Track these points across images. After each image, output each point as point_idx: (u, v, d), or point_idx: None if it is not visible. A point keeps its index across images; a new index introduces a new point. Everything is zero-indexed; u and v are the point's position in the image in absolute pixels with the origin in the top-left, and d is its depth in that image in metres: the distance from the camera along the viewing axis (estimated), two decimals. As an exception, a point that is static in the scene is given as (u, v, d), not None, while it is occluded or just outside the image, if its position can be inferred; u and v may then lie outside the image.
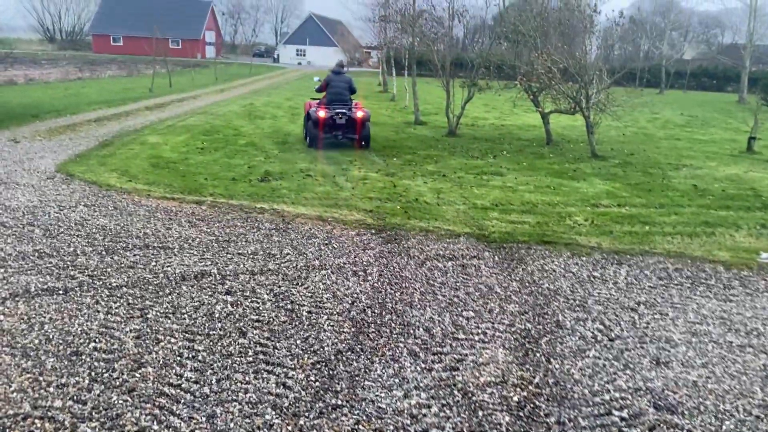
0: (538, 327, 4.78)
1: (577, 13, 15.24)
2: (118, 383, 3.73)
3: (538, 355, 4.34)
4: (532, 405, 3.72)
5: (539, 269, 6.10)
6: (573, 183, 10.22)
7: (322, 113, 12.35)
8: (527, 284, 5.68)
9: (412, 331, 4.60)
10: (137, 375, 3.83)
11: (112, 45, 72.84)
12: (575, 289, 5.59)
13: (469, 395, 3.78)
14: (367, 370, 4.02)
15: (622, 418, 3.62)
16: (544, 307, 5.17)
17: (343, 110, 12.46)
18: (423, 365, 4.12)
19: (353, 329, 4.60)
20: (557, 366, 4.18)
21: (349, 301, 5.10)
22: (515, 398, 3.77)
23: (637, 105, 17.16)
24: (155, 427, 3.35)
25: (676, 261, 6.51)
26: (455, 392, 3.81)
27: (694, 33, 57.62)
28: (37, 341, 4.19)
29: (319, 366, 4.05)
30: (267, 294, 5.17)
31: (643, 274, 6.07)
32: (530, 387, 3.91)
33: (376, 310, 4.95)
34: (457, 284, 5.60)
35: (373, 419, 3.52)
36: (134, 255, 5.97)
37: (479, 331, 4.67)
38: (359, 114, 12.53)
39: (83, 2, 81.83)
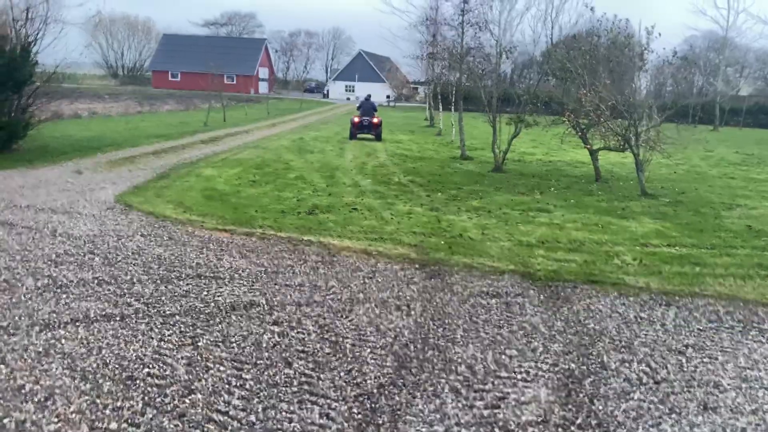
0: (582, 367, 4.75)
1: (626, 51, 15.21)
2: (169, 408, 3.89)
3: (581, 395, 4.31)
4: (574, 446, 3.69)
5: (585, 309, 6.05)
6: (622, 221, 10.10)
7: (356, 119, 23.40)
8: (572, 324, 5.65)
9: (454, 368, 4.64)
10: (187, 401, 3.99)
11: (170, 80, 76.03)
12: (621, 330, 5.53)
13: (510, 434, 3.79)
14: (408, 405, 4.08)
15: (667, 464, 3.56)
16: (588, 347, 5.14)
17: (368, 119, 23.18)
18: (464, 402, 4.15)
19: (396, 363, 4.67)
20: (600, 407, 4.15)
21: (392, 336, 5.18)
22: (557, 439, 3.76)
23: (689, 142, 16.89)
24: (203, 452, 3.48)
25: (727, 304, 6.36)
26: (496, 430, 3.82)
27: (750, 69, 56.31)
28: (95, 365, 4.41)
29: (361, 398, 4.12)
30: (312, 326, 5.30)
31: (693, 317, 5.95)
32: (572, 428, 3.89)
33: (418, 345, 5.01)
34: (501, 322, 5.62)
35: (414, 454, 3.56)
36: (187, 284, 6.21)
37: (522, 369, 4.67)
38: (375, 120, 23.14)
39: (144, 40, 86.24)
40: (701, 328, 5.68)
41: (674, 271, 7.35)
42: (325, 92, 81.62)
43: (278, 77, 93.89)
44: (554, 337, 5.30)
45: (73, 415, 3.76)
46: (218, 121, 28.94)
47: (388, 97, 68.34)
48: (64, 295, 5.71)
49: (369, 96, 24.70)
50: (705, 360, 4.98)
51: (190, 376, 4.31)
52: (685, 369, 4.79)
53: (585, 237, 8.87)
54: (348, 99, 75.72)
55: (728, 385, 4.56)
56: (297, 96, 68.74)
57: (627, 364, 4.82)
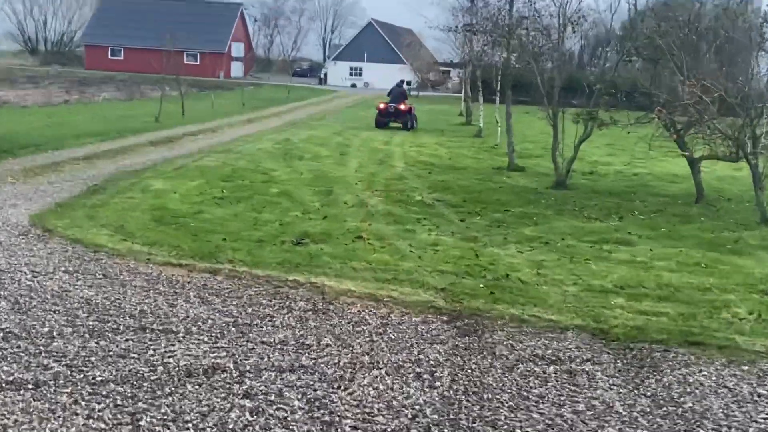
0: (675, 464, 4.71)
1: (741, 23, 15.27)
2: None
3: (673, 504, 4.27)
4: None
5: (680, 381, 6.01)
6: (734, 259, 10.06)
7: (381, 105, 30.75)
8: (662, 402, 5.61)
9: (495, 461, 4.62)
10: (123, 502, 4.00)
11: (109, 59, 77.13)
12: (731, 412, 5.48)
13: None
14: None
15: None
16: (685, 435, 5.11)
17: (395, 105, 30.32)
18: None
19: (414, 454, 4.66)
20: None
21: (409, 415, 5.16)
22: None
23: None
24: None
25: None
26: None
27: None
28: (-3, 450, 4.44)
29: (364, 503, 4.11)
30: (298, 400, 5.30)
31: (833, 394, 5.90)
32: None
33: (445, 430, 4.99)
34: (562, 398, 5.59)
35: None
36: (126, 340, 6.24)
37: (590, 465, 4.64)
38: (402, 107, 30.19)
39: (75, 5, 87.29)
40: None
41: (807, 330, 7.30)
42: (322, 76, 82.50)
43: (259, 56, 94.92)
44: (636, 421, 5.27)
45: None
46: (174, 115, 29.29)
47: (408, 83, 68.94)
48: (-42, 353, 5.77)
49: (402, 82, 34.11)
50: None
51: (128, 468, 4.32)
52: (822, 468, 4.74)
53: (681, 281, 8.83)
54: (353, 86, 76.37)
55: None
56: (284, 81, 69.47)
57: (739, 461, 4.78)
